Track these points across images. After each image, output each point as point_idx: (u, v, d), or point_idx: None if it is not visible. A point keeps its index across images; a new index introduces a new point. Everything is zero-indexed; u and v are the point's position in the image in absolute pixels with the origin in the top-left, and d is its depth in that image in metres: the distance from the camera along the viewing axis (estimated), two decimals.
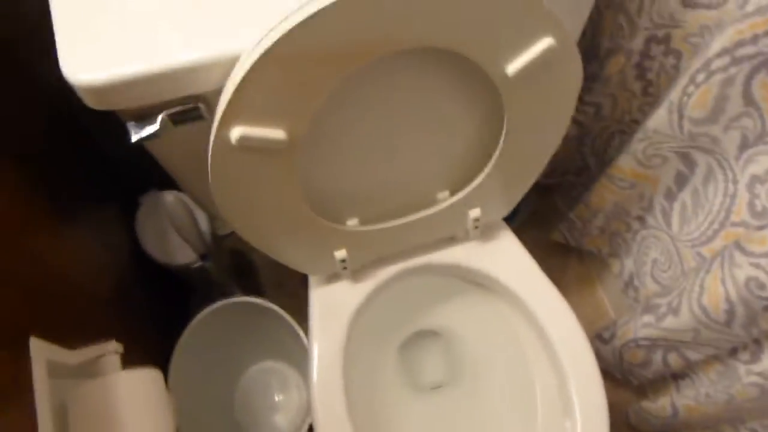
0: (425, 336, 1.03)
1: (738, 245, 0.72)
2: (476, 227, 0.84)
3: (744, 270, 0.71)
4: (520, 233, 1.26)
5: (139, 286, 0.99)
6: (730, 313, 0.75)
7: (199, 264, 0.99)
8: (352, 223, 0.79)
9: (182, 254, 0.99)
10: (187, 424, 0.94)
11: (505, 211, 0.85)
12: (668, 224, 0.96)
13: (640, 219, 1.03)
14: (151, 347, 0.94)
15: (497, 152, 0.73)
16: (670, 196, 0.94)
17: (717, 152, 0.82)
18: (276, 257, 0.77)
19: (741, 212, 0.82)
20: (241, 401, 1.17)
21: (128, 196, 1.01)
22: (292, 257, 0.79)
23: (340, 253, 0.80)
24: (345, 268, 0.82)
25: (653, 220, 1.00)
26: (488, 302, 0.94)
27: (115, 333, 0.80)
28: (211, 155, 0.58)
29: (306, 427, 0.97)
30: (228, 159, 0.58)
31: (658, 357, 0.95)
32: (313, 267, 0.82)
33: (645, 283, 1.06)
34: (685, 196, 0.91)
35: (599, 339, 1.07)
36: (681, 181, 0.90)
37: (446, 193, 0.81)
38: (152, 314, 1.01)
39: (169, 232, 0.97)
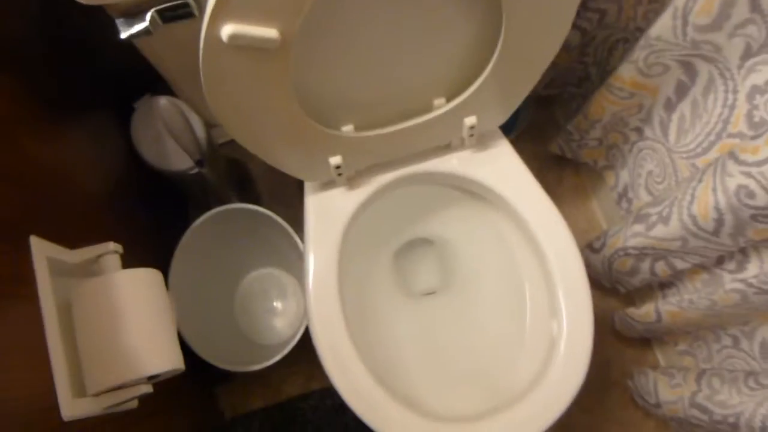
0: (419, 244, 1.06)
1: (732, 154, 0.73)
2: (472, 135, 0.84)
3: (735, 179, 0.71)
4: (518, 145, 1.26)
5: (137, 191, 1.00)
6: (719, 221, 0.77)
7: (195, 170, 1.00)
8: (348, 129, 0.79)
9: (178, 160, 0.99)
10: (189, 326, 0.97)
11: (502, 119, 0.85)
12: (665, 136, 0.96)
13: (638, 130, 1.02)
14: (150, 251, 0.96)
15: (494, 58, 0.72)
16: (669, 106, 0.93)
17: (719, 61, 0.80)
18: (270, 162, 0.77)
19: (738, 123, 0.82)
20: (241, 306, 1.21)
21: (123, 102, 0.99)
22: (287, 162, 0.79)
23: (335, 159, 0.80)
24: (340, 174, 0.83)
25: (651, 132, 0.99)
26: (482, 211, 0.95)
27: (113, 235, 0.81)
28: (202, 54, 0.57)
29: (302, 329, 1.01)
30: (219, 58, 0.57)
31: (645, 266, 0.98)
32: (309, 172, 0.82)
33: (639, 195, 1.07)
34: (684, 107, 0.90)
35: (590, 248, 1.09)
36: (681, 91, 0.89)
37: (442, 99, 0.80)
38: (151, 219, 1.02)
39: (165, 137, 0.97)
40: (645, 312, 0.99)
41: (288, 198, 1.30)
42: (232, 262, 1.17)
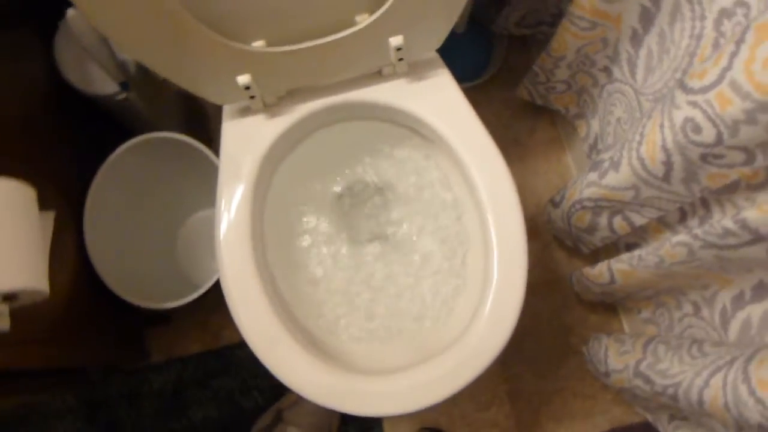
0: (361, 187, 0.98)
1: (680, 82, 0.63)
2: (401, 60, 0.75)
3: (682, 111, 0.61)
4: (489, 90, 1.17)
5: (59, 116, 0.94)
6: (668, 164, 0.67)
7: (122, 95, 0.93)
8: (258, 44, 0.71)
9: (103, 84, 0.92)
10: (111, 263, 0.92)
11: (433, 42, 0.76)
12: (633, 75, 0.86)
13: (607, 71, 0.92)
14: (70, 181, 0.91)
15: None
16: (636, 40, 0.82)
17: None
18: (166, 75, 0.70)
19: (704, 56, 0.71)
20: (184, 247, 1.15)
21: (50, 19, 0.93)
22: (185, 78, 0.71)
23: (244, 78, 0.72)
24: (253, 97, 0.75)
25: (619, 72, 0.89)
26: (428, 151, 0.87)
27: (21, 157, 0.77)
28: None
29: None
30: None
31: (603, 221, 0.88)
32: (214, 92, 0.75)
33: (608, 145, 0.97)
34: (651, 40, 0.80)
35: (552, 203, 1.00)
36: (646, 20, 0.79)
37: (365, 15, 0.71)
38: (76, 148, 0.97)
39: (90, 58, 0.91)
40: (598, 271, 0.90)
41: None
42: (172, 200, 1.11)
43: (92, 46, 0.83)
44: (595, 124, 1.01)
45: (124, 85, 0.90)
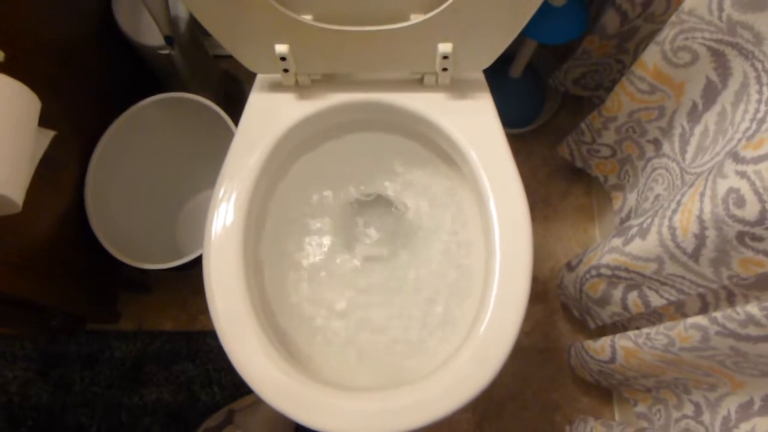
0: (377, 202, 0.94)
1: (732, 152, 0.58)
2: (445, 69, 0.72)
3: (728, 180, 0.56)
4: (532, 142, 1.14)
5: (100, 57, 0.94)
6: (700, 238, 0.61)
7: (165, 50, 0.92)
8: (306, 17, 0.69)
9: (150, 36, 0.92)
10: (105, 212, 0.90)
11: (482, 61, 0.73)
12: (683, 152, 0.81)
13: (656, 143, 0.87)
14: (92, 123, 0.89)
15: None
16: (695, 115, 0.78)
17: (757, 57, 0.66)
18: (206, 25, 0.68)
19: (764, 142, 0.67)
20: (185, 219, 1.12)
21: None
22: (228, 36, 0.70)
23: (282, 48, 0.70)
24: (286, 70, 0.73)
25: (669, 147, 0.84)
26: (441, 173, 0.84)
27: (47, 80, 0.76)
28: None
29: None
30: None
31: (617, 294, 0.82)
32: (253, 58, 0.73)
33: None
34: (710, 118, 0.75)
35: (567, 267, 0.94)
36: (709, 95, 0.74)
37: (420, 15, 0.69)
38: (108, 94, 0.95)
39: (144, 8, 0.90)
40: (600, 346, 0.83)
41: None
42: (187, 170, 1.08)
43: None
44: (631, 198, 0.96)
45: (169, 40, 0.89)
